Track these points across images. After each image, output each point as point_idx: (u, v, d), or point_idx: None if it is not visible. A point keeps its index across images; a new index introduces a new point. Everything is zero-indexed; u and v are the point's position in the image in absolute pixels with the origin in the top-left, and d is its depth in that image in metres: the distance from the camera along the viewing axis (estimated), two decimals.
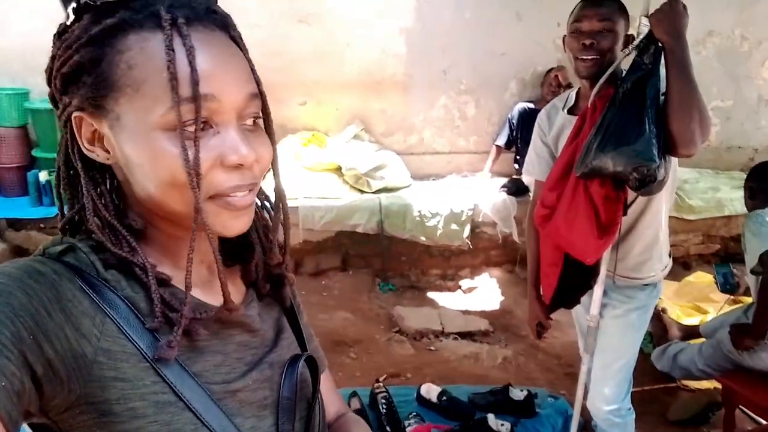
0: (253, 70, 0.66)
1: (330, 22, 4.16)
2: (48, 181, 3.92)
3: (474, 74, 4.36)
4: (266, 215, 0.77)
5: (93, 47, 0.60)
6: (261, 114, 0.67)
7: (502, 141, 4.32)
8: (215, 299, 0.70)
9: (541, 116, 2.02)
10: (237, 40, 0.65)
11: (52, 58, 0.63)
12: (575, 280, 1.83)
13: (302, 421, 0.75)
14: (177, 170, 0.59)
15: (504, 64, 4.33)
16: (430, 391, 2.65)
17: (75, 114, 0.62)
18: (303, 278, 3.98)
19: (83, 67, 0.60)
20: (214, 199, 0.62)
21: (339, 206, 3.91)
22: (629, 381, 1.99)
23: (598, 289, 1.83)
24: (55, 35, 0.64)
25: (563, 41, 1.81)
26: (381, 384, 2.69)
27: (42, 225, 4.02)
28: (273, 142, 0.69)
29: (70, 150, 0.66)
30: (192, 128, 0.59)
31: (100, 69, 0.60)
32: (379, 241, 3.98)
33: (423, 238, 3.98)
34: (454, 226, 3.98)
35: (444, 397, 2.59)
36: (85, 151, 0.64)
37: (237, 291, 0.75)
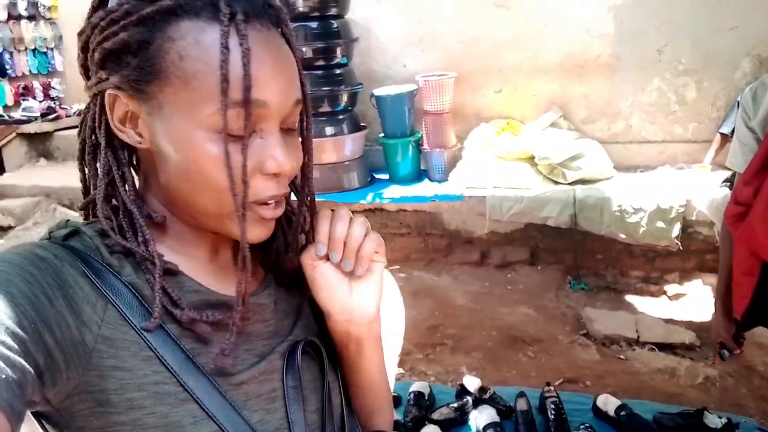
0: (299, 72, 0.63)
1: (529, 5, 3.97)
2: None
3: (696, 52, 3.82)
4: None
5: (143, 28, 0.56)
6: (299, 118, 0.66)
7: (728, 128, 3.72)
8: (228, 288, 0.66)
9: (746, 96, 1.68)
10: (289, 37, 0.62)
11: (93, 27, 0.60)
12: None
13: (318, 412, 0.70)
14: (218, 174, 0.58)
15: (734, 40, 3.72)
16: (608, 402, 2.40)
17: (110, 91, 0.60)
18: (488, 269, 3.90)
19: (129, 47, 0.57)
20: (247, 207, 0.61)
21: (529, 197, 3.74)
22: None
23: None
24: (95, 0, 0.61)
25: None
26: (552, 388, 2.52)
27: None
28: (308, 148, 0.68)
29: (96, 124, 0.63)
30: (237, 133, 0.57)
31: (148, 53, 0.57)
32: (571, 236, 3.72)
33: (622, 236, 3.62)
34: (660, 224, 3.55)
35: (623, 412, 2.33)
36: (114, 130, 0.62)
37: (253, 277, 0.71)
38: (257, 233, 0.63)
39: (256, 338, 0.68)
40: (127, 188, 0.63)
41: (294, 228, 0.71)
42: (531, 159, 3.95)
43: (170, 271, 0.62)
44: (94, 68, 0.61)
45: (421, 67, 4.23)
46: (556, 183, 3.85)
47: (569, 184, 3.81)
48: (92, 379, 0.56)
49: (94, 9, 0.61)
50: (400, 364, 3.00)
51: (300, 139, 0.67)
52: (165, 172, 0.61)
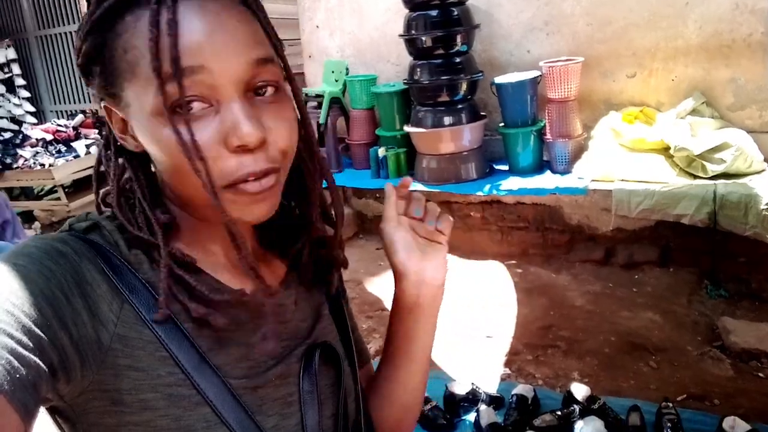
0: (267, 33, 0.60)
1: None
2: (384, 157, 4.42)
3: None
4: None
5: (96, 33, 0.58)
6: (282, 82, 0.61)
7: None
8: (245, 284, 0.65)
9: None
10: (249, 3, 0.59)
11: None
12: None
13: (333, 418, 0.68)
14: (180, 157, 0.55)
15: None
16: (737, 426, 2.16)
17: (103, 103, 0.61)
18: (612, 269, 3.64)
19: (92, 56, 0.59)
20: (228, 188, 0.57)
21: (662, 192, 3.40)
22: None
23: None
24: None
25: None
26: (671, 404, 2.30)
27: (377, 195, 4.56)
28: (302, 115, 0.64)
29: (111, 137, 0.65)
30: (186, 109, 0.55)
31: (104, 56, 0.58)
32: (710, 236, 3.35)
33: None
34: None
35: None
36: (118, 140, 0.63)
37: (274, 275, 0.71)
38: (252, 210, 0.60)
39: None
40: (142, 192, 0.63)
41: (312, 203, 0.69)
42: (666, 150, 3.60)
43: (187, 265, 0.62)
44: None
45: (547, 52, 4.01)
46: (695, 177, 3.47)
47: (710, 178, 3.42)
48: (107, 378, 0.56)
49: None
50: (507, 363, 2.90)
51: (295, 105, 0.63)
52: (158, 171, 0.63)
